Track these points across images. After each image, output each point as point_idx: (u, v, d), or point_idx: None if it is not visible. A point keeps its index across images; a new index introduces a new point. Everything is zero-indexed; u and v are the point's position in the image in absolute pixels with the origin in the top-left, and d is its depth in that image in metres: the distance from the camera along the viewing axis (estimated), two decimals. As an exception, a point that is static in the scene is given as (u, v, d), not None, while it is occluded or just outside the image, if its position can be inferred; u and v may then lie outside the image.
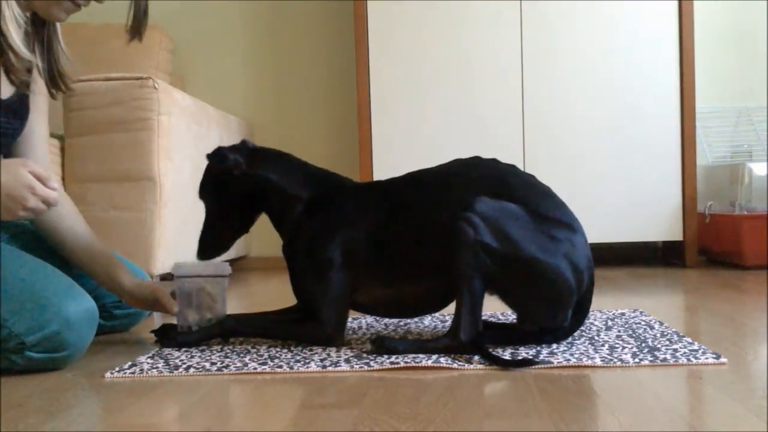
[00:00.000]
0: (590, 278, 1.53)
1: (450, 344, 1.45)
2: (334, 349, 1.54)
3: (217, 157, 1.61)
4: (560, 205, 1.53)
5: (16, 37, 1.47)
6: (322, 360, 1.45)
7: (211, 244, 1.66)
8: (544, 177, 1.61)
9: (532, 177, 1.58)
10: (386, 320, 1.83)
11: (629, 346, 1.50)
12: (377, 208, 1.58)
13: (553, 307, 1.50)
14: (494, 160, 1.59)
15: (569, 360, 1.39)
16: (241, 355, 1.52)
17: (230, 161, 1.60)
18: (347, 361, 1.43)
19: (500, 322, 1.79)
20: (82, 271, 1.69)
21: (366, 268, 1.56)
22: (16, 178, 1.36)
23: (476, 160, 1.59)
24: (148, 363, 1.47)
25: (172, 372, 1.40)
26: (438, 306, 1.61)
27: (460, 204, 1.48)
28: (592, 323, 1.74)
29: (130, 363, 1.47)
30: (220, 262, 1.68)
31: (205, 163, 1.67)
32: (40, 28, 1.59)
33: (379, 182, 1.67)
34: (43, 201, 1.39)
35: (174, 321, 1.67)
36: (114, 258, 1.72)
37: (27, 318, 1.40)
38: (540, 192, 1.53)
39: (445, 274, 1.51)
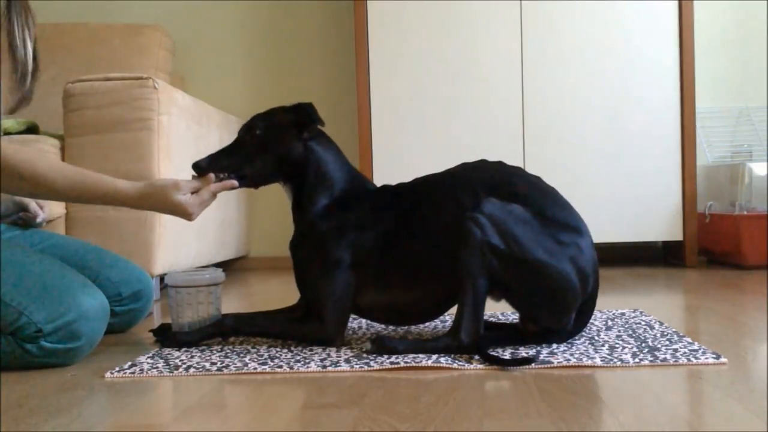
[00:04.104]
0: (595, 281, 1.53)
1: (450, 344, 1.45)
2: (334, 349, 1.55)
3: (309, 109, 1.59)
4: (567, 208, 1.53)
5: None
6: (322, 360, 1.45)
7: (218, 164, 1.59)
8: (544, 177, 1.61)
9: (538, 179, 1.57)
10: (386, 320, 1.83)
11: (629, 346, 1.50)
12: (388, 212, 1.59)
13: (557, 309, 1.49)
14: (500, 163, 1.59)
15: (569, 360, 1.39)
16: (241, 355, 1.52)
17: (315, 120, 1.59)
18: (347, 361, 1.43)
19: (500, 322, 1.79)
20: (75, 199, 1.62)
21: (371, 271, 1.56)
22: None
23: (482, 163, 1.59)
24: (148, 363, 1.47)
25: (172, 372, 1.40)
26: (437, 313, 1.62)
27: (465, 206, 1.49)
28: (592, 323, 1.74)
29: (130, 363, 1.47)
30: (213, 269, 1.68)
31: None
32: None
33: (391, 187, 1.67)
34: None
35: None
36: (101, 175, 1.60)
37: (45, 307, 1.45)
38: (547, 194, 1.53)
39: (448, 278, 1.51)
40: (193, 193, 1.58)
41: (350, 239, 1.56)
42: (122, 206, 1.60)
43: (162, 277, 2.65)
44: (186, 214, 1.59)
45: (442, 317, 1.85)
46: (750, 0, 3.34)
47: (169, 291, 1.65)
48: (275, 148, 1.60)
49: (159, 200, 1.57)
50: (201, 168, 1.59)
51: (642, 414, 1.08)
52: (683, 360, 1.37)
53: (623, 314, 1.86)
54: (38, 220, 1.84)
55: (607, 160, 2.99)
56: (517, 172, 1.57)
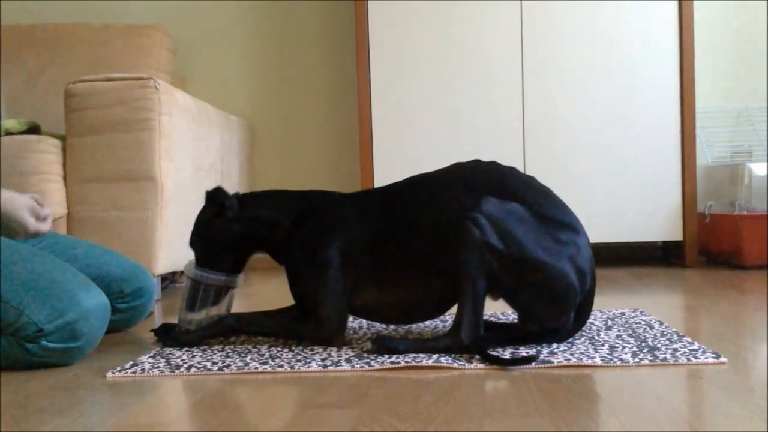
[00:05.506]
0: (593, 280, 1.53)
1: (451, 344, 1.46)
2: (334, 348, 1.55)
3: (216, 194, 1.63)
4: (562, 207, 1.53)
5: None
6: (323, 359, 1.45)
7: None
8: (544, 177, 1.61)
9: (532, 179, 1.58)
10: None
11: (629, 345, 1.50)
12: (374, 212, 1.59)
13: (556, 308, 1.50)
14: (494, 163, 1.59)
15: (569, 360, 1.39)
16: (242, 354, 1.52)
17: (229, 200, 1.62)
18: (348, 360, 1.43)
19: (500, 322, 1.79)
20: None
21: (363, 271, 1.56)
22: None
23: (476, 163, 1.59)
24: (149, 362, 1.47)
25: (174, 372, 1.40)
26: (434, 313, 1.61)
27: (463, 205, 1.49)
28: (592, 323, 1.74)
29: (131, 362, 1.48)
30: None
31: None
32: None
33: (376, 188, 1.68)
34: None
35: (173, 320, 1.67)
36: None
37: (46, 306, 1.45)
38: (541, 194, 1.53)
39: (443, 278, 1.51)
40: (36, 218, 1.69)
41: (335, 240, 1.56)
42: None
43: (163, 277, 2.66)
44: (24, 232, 1.68)
45: (442, 317, 1.85)
46: (750, 0, 3.34)
47: (186, 280, 1.64)
48: (221, 246, 1.63)
49: (4, 210, 1.65)
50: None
51: (642, 414, 1.08)
52: (683, 360, 1.37)
53: (623, 314, 1.87)
54: None
55: (607, 160, 2.99)
56: (512, 172, 1.57)
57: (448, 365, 1.38)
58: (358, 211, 1.60)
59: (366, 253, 1.56)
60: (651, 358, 1.39)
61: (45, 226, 1.70)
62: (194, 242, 1.66)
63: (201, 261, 1.65)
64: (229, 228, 1.62)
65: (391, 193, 1.63)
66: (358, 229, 1.57)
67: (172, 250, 2.43)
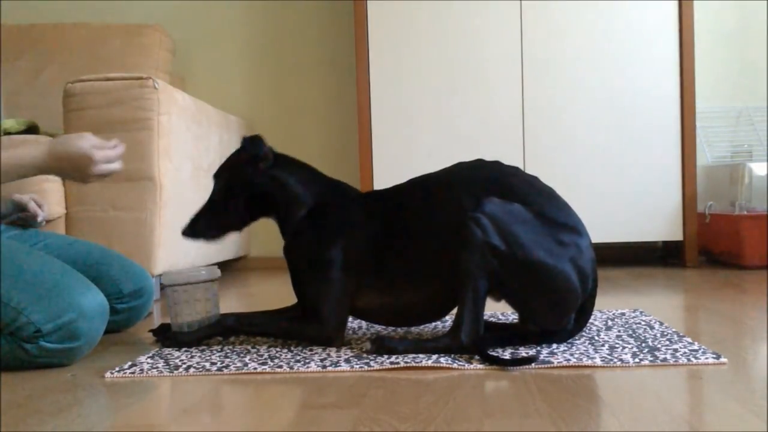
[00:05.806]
0: (594, 282, 1.53)
1: (450, 344, 1.45)
2: (334, 349, 1.55)
3: (254, 141, 1.62)
4: (565, 208, 1.53)
5: None
6: (322, 360, 1.45)
7: (202, 226, 1.63)
8: (544, 177, 1.61)
9: (535, 179, 1.57)
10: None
11: (629, 346, 1.50)
12: (380, 214, 1.58)
13: (557, 310, 1.49)
14: (497, 163, 1.59)
15: (569, 360, 1.39)
16: (241, 355, 1.52)
17: (265, 150, 1.61)
18: (347, 361, 1.43)
19: (500, 322, 1.79)
20: None
21: (366, 272, 1.56)
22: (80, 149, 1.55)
23: (479, 163, 1.59)
24: (148, 363, 1.47)
25: (172, 372, 1.40)
26: (436, 315, 1.61)
27: (465, 206, 1.48)
28: (592, 323, 1.74)
29: (130, 363, 1.48)
30: (209, 266, 1.68)
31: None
32: None
33: (384, 190, 1.67)
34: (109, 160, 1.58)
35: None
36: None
37: (44, 307, 1.44)
38: (545, 194, 1.53)
39: (445, 280, 1.51)
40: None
41: (340, 241, 1.56)
42: (34, 170, 1.57)
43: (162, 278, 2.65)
44: (89, 162, 1.55)
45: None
46: (750, 0, 3.34)
47: (166, 291, 1.65)
48: (241, 189, 1.62)
49: (64, 150, 1.55)
50: (189, 235, 1.62)
51: (642, 414, 1.08)
52: (683, 360, 1.37)
53: (623, 314, 1.86)
54: (38, 219, 1.84)
55: (607, 160, 2.99)
56: (515, 172, 1.56)
57: (447, 365, 1.38)
58: (363, 212, 1.60)
59: (369, 255, 1.55)
60: (651, 359, 1.38)
61: (116, 151, 1.59)
62: (219, 175, 1.64)
63: (215, 196, 1.63)
64: (256, 178, 1.62)
65: (394, 194, 1.62)
66: (362, 231, 1.57)
67: (171, 250, 2.42)
